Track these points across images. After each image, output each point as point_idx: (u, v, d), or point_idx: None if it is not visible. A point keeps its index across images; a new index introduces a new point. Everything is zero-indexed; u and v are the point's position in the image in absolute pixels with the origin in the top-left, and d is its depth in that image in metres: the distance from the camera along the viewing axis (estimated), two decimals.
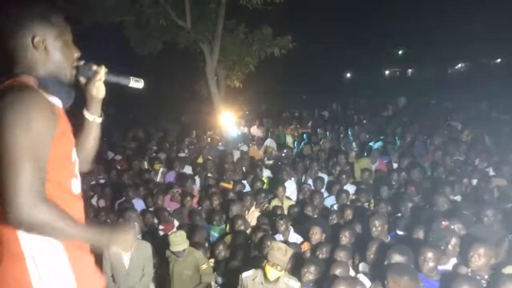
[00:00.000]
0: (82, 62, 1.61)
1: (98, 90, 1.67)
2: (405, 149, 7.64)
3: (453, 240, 3.46)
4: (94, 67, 1.64)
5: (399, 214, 4.77)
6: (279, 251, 3.36)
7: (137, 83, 1.72)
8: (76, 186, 1.53)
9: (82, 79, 1.66)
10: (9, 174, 1.25)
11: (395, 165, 6.92)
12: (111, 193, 6.23)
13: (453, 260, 3.51)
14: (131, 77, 1.70)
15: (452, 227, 3.69)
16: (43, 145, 1.32)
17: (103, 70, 1.65)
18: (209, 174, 6.85)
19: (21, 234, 1.35)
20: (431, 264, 3.21)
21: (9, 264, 1.37)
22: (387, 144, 7.85)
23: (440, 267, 3.35)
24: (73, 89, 1.58)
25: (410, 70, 38.22)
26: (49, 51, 1.48)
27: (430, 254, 3.21)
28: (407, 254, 3.32)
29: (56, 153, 1.38)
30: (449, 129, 9.22)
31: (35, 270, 1.37)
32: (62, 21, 1.53)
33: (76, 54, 1.59)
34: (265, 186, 6.40)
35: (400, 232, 4.30)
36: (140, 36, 11.03)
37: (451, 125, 9.57)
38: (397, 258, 3.25)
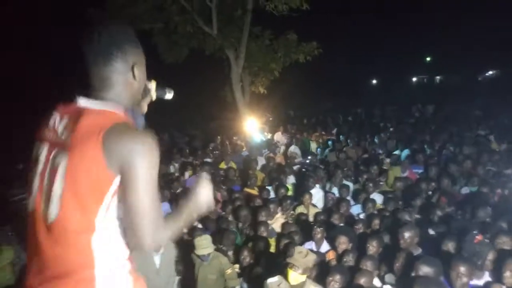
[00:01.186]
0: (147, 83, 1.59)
1: (145, 108, 1.67)
2: (434, 158, 7.44)
3: (490, 255, 3.32)
4: (149, 85, 1.62)
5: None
6: (299, 254, 3.37)
7: (170, 95, 1.74)
8: None
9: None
10: (146, 209, 1.30)
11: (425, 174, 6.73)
12: None
13: (486, 275, 3.38)
14: (166, 89, 1.71)
15: (487, 240, 3.56)
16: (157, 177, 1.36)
17: (153, 86, 1.64)
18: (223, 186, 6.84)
19: (97, 261, 1.34)
20: (464, 279, 3.08)
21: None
22: (416, 152, 7.68)
23: (471, 282, 3.24)
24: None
25: (438, 77, 37.38)
26: (138, 78, 1.46)
27: (463, 269, 3.08)
28: (436, 266, 3.22)
29: None
30: (479, 138, 8.94)
31: None
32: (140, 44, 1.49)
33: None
34: (289, 193, 6.37)
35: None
36: (167, 43, 11.25)
37: (480, 133, 9.29)
38: (425, 269, 3.17)
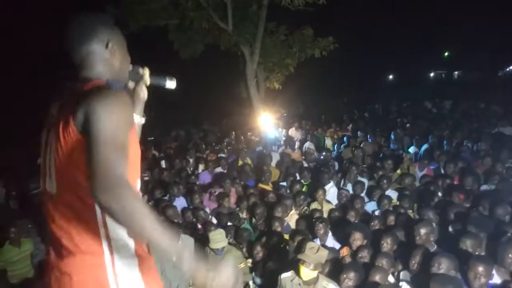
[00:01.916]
0: (130, 67, 1.69)
1: (144, 93, 1.77)
2: (452, 154, 7.31)
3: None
4: (141, 71, 1.72)
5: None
6: (311, 250, 3.38)
7: (171, 83, 1.78)
8: (139, 186, 1.57)
9: (131, 83, 1.74)
10: (100, 154, 1.25)
11: (443, 171, 6.63)
12: (154, 190, 6.40)
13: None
14: (166, 77, 1.77)
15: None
16: (127, 135, 1.35)
17: (147, 72, 1.73)
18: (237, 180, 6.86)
19: (105, 247, 1.40)
20: (483, 279, 3.01)
21: (91, 273, 1.41)
22: (434, 149, 7.56)
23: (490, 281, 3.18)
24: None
25: (456, 73, 36.62)
26: (117, 56, 1.57)
27: (481, 269, 3.01)
28: (454, 262, 3.18)
29: (130, 148, 1.37)
30: (499, 134, 8.73)
31: (114, 281, 1.41)
32: (118, 28, 1.62)
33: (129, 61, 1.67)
34: (304, 189, 6.35)
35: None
36: (183, 39, 11.31)
37: (500, 130, 9.06)
38: (443, 264, 3.13)
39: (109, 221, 1.39)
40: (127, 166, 1.29)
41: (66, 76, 1.55)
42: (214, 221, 5.44)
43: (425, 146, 7.84)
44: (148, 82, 1.74)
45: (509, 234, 3.58)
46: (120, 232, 1.42)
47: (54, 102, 1.53)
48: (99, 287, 1.40)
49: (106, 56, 1.54)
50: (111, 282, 1.41)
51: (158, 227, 1.23)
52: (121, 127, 1.32)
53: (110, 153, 1.25)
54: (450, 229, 4.26)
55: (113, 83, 1.50)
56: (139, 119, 1.78)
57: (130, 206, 1.20)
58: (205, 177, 7.12)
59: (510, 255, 3.25)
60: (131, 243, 1.46)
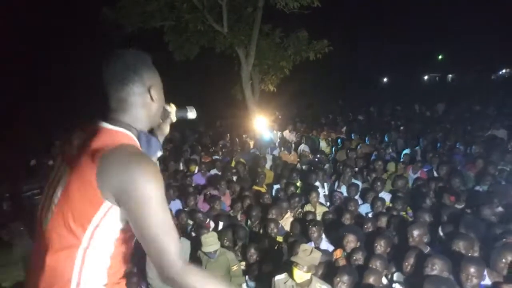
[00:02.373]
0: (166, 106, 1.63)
1: (168, 129, 1.72)
2: (444, 157, 7.36)
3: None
4: (168, 108, 1.66)
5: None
6: (304, 252, 3.39)
7: (192, 113, 1.76)
8: None
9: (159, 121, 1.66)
10: (158, 238, 1.27)
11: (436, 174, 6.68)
12: None
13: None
14: (187, 108, 1.74)
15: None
16: (167, 210, 1.35)
17: (174, 110, 1.69)
18: (234, 178, 6.90)
19: (74, 278, 1.35)
20: (475, 280, 3.04)
21: None
22: (427, 151, 7.61)
23: (482, 282, 3.21)
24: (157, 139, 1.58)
25: (450, 76, 36.89)
26: (156, 100, 1.49)
27: (473, 270, 3.04)
28: (447, 263, 3.21)
29: None
30: (492, 137, 8.80)
31: None
32: (156, 69, 1.53)
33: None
34: (297, 191, 6.36)
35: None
36: (178, 40, 11.30)
37: (493, 133, 9.13)
38: (437, 265, 3.15)
39: (84, 274, 1.36)
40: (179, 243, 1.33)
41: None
42: (212, 224, 5.42)
43: (406, 151, 7.89)
44: (174, 119, 1.70)
45: (504, 240, 3.60)
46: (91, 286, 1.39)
47: (78, 131, 1.48)
48: None
49: (146, 101, 1.46)
50: None
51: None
52: (159, 196, 1.30)
53: (167, 239, 1.28)
54: (442, 231, 4.28)
55: (147, 139, 1.45)
56: (159, 154, 1.70)
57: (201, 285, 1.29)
58: (198, 180, 7.12)
59: (503, 260, 3.27)
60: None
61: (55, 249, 1.36)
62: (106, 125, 1.42)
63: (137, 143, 1.43)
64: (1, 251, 4.65)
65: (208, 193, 6.13)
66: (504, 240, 3.59)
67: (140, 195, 1.26)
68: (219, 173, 7.26)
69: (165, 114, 1.64)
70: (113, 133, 1.39)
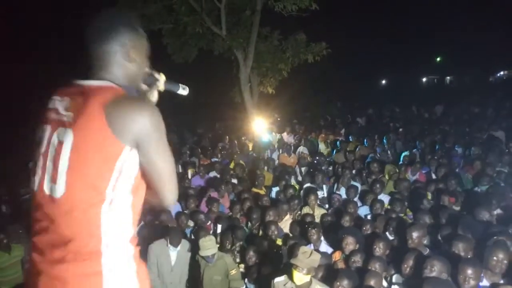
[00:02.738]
0: (147, 70, 1.63)
1: (155, 97, 1.70)
2: (443, 159, 7.37)
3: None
4: (157, 75, 1.67)
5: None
6: (303, 254, 3.38)
7: (184, 91, 1.77)
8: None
9: (144, 86, 1.67)
10: (167, 171, 1.45)
11: (434, 176, 6.69)
12: None
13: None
14: (180, 85, 1.76)
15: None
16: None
17: (163, 78, 1.68)
18: (233, 180, 6.91)
19: (105, 255, 1.37)
20: (472, 282, 3.04)
21: (88, 281, 1.37)
22: (425, 153, 7.63)
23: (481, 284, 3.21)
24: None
25: (448, 78, 36.99)
26: (135, 61, 1.52)
27: (470, 272, 3.04)
28: (447, 264, 3.21)
29: None
30: (491, 137, 8.83)
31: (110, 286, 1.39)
32: (144, 34, 1.56)
33: (147, 67, 1.61)
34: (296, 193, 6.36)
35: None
36: (176, 43, 11.32)
37: (491, 134, 9.16)
38: (437, 266, 3.16)
39: (111, 229, 1.37)
40: None
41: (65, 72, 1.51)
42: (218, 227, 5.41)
43: (406, 153, 7.91)
44: (162, 88, 1.70)
45: (495, 237, 3.61)
46: (120, 241, 1.40)
47: (55, 97, 1.46)
48: None
49: (123, 60, 1.49)
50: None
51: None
52: (166, 138, 1.45)
53: (172, 169, 1.47)
54: (440, 233, 4.28)
55: (130, 90, 1.46)
56: None
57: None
58: (197, 182, 7.11)
59: (494, 258, 3.28)
60: (130, 255, 1.44)
61: (79, 211, 1.35)
62: (89, 82, 1.44)
63: (126, 92, 1.45)
64: (1, 253, 4.63)
65: (209, 195, 6.13)
66: (495, 238, 3.60)
67: (158, 136, 1.40)
68: (218, 176, 7.26)
69: (150, 80, 1.65)
70: (103, 87, 1.41)
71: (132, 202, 1.43)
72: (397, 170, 6.78)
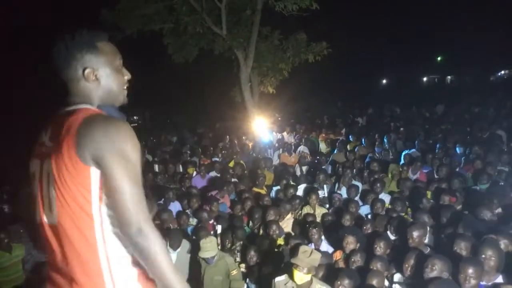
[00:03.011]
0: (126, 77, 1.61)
1: None
2: (445, 158, 7.36)
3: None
4: None
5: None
6: (304, 254, 3.39)
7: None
8: None
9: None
10: (126, 195, 1.31)
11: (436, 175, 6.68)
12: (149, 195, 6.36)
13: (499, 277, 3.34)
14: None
15: (501, 243, 3.52)
16: (139, 166, 1.39)
17: None
18: (233, 180, 6.91)
19: (108, 280, 1.38)
20: (473, 281, 3.03)
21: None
22: (427, 153, 7.63)
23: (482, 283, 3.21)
24: (124, 112, 1.59)
25: (449, 77, 36.96)
26: (100, 80, 1.50)
27: (471, 271, 3.04)
28: (448, 264, 3.21)
29: None
30: (491, 137, 8.81)
31: None
32: (109, 46, 1.53)
33: (127, 77, 1.59)
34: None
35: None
36: (177, 43, 11.33)
37: (493, 133, 9.14)
38: (438, 265, 3.16)
39: (110, 252, 1.38)
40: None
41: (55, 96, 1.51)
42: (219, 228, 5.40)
43: (406, 152, 7.90)
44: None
45: (485, 236, 3.61)
46: (121, 264, 1.41)
47: (44, 129, 1.49)
48: None
49: (91, 83, 1.48)
50: None
51: (175, 271, 1.35)
52: (135, 159, 1.34)
53: (135, 192, 1.32)
54: (442, 232, 4.28)
55: (107, 110, 1.46)
56: None
57: (155, 248, 1.31)
58: (197, 182, 7.11)
59: (483, 256, 3.29)
60: (133, 274, 1.44)
61: (74, 237, 1.37)
62: (69, 108, 1.45)
63: (101, 111, 1.45)
64: (2, 253, 4.63)
65: (210, 194, 6.13)
66: (485, 236, 3.60)
67: (119, 151, 1.31)
68: (218, 175, 7.26)
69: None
70: (81, 110, 1.42)
71: None
72: (400, 170, 6.77)
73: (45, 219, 1.43)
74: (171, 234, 4.46)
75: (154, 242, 1.31)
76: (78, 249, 1.37)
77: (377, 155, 8.22)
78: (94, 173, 1.33)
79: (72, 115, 1.39)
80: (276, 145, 9.64)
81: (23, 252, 4.77)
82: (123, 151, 1.32)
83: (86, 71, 1.47)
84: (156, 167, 7.89)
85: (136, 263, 1.43)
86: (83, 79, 1.47)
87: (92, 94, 1.49)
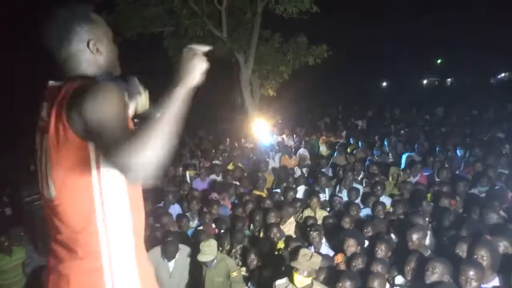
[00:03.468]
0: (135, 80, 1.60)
1: (132, 110, 1.64)
2: (446, 161, 7.36)
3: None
4: (142, 90, 1.62)
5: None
6: (304, 257, 3.38)
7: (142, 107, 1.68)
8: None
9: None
10: (107, 130, 1.22)
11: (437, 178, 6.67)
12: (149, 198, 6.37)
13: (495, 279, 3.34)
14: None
15: (500, 244, 3.51)
16: (127, 115, 1.37)
17: (146, 95, 1.64)
18: (236, 182, 6.92)
19: (104, 251, 1.40)
20: (474, 284, 3.03)
21: (89, 277, 1.41)
22: (428, 155, 7.63)
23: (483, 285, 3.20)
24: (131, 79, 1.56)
25: (449, 80, 36.97)
26: (101, 51, 1.50)
27: (472, 273, 3.04)
28: (449, 266, 3.21)
29: None
30: (491, 140, 8.81)
31: (110, 281, 1.42)
32: (100, 17, 1.53)
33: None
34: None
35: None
36: (178, 46, 11.34)
37: (492, 136, 9.15)
38: (438, 268, 3.16)
39: (108, 223, 1.39)
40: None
41: (50, 73, 1.48)
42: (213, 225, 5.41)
43: (406, 154, 7.89)
44: (144, 107, 1.63)
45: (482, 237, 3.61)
46: (121, 237, 1.43)
47: (42, 104, 1.48)
48: None
49: (88, 56, 1.48)
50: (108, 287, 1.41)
51: (165, 122, 1.23)
52: (119, 111, 1.28)
53: (116, 127, 1.22)
54: (445, 235, 4.28)
55: (101, 77, 1.45)
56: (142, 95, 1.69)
57: (147, 144, 1.15)
58: (197, 185, 7.11)
59: (475, 256, 3.30)
60: (131, 248, 1.46)
61: (72, 209, 1.38)
62: (63, 81, 1.43)
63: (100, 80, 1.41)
64: (0, 257, 4.63)
65: (214, 197, 6.12)
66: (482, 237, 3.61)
67: (99, 101, 1.25)
68: (218, 178, 7.26)
69: (135, 93, 1.57)
70: (72, 83, 1.40)
71: (127, 188, 1.43)
72: (401, 173, 6.76)
73: (45, 193, 1.44)
74: (165, 246, 4.38)
75: (142, 148, 1.14)
76: (76, 221, 1.39)
77: (376, 158, 8.21)
78: (90, 144, 1.33)
79: (66, 86, 1.38)
80: (277, 147, 9.64)
81: (23, 255, 4.77)
82: (104, 100, 1.26)
83: (91, 43, 1.47)
84: None
85: (136, 232, 1.45)
86: (87, 51, 1.46)
87: (93, 66, 1.49)
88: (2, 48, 12.02)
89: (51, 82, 1.47)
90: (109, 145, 1.18)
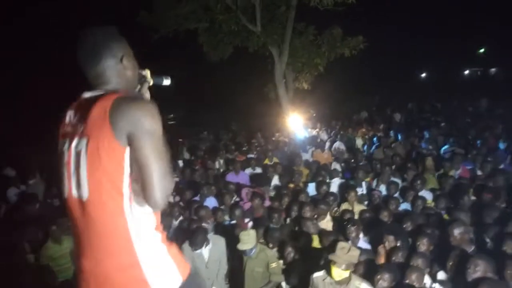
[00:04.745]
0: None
1: (148, 93, 1.83)
2: (485, 155, 7.05)
3: None
4: (144, 72, 1.79)
5: None
6: (341, 250, 3.38)
7: (167, 81, 1.91)
8: None
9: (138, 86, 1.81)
10: (158, 168, 1.44)
11: (479, 172, 6.42)
12: (186, 191, 6.51)
13: None
14: (163, 77, 1.89)
15: None
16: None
17: (149, 73, 1.81)
18: (276, 176, 6.96)
19: (137, 247, 1.49)
20: None
21: (129, 274, 1.50)
22: (470, 149, 7.34)
23: None
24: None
25: (493, 70, 35.17)
26: (129, 67, 1.66)
27: None
28: (491, 262, 3.11)
29: None
30: None
31: (152, 276, 1.51)
32: (123, 37, 1.68)
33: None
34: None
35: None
36: (212, 41, 11.48)
37: None
38: (481, 265, 3.06)
39: (137, 221, 1.49)
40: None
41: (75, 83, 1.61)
42: (250, 223, 5.45)
43: (446, 147, 7.60)
44: (151, 82, 1.83)
45: None
46: (147, 230, 1.52)
47: (69, 112, 1.61)
48: (140, 286, 1.49)
49: (120, 70, 1.62)
50: (149, 278, 1.50)
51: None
52: (160, 135, 1.47)
53: (164, 168, 1.45)
54: (487, 231, 4.12)
55: (132, 93, 1.59)
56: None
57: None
58: (231, 178, 7.19)
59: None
60: (158, 241, 1.55)
61: (104, 210, 1.48)
62: (95, 93, 1.56)
63: (129, 93, 1.57)
64: (51, 245, 4.89)
65: (248, 191, 6.19)
66: None
67: (150, 130, 1.43)
68: (254, 172, 7.33)
69: (141, 78, 1.78)
70: (107, 95, 1.52)
71: None
72: (441, 166, 6.54)
73: (74, 193, 1.53)
74: (192, 237, 4.45)
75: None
76: (107, 219, 1.47)
77: (424, 151, 7.96)
78: (127, 153, 1.44)
79: (102, 99, 1.49)
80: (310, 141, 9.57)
81: (71, 244, 5.00)
82: (152, 129, 1.43)
83: (124, 58, 1.62)
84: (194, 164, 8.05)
85: (158, 228, 1.56)
86: (117, 67, 1.61)
87: (122, 81, 1.63)
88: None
89: (86, 94, 1.60)
90: (156, 186, 1.43)
